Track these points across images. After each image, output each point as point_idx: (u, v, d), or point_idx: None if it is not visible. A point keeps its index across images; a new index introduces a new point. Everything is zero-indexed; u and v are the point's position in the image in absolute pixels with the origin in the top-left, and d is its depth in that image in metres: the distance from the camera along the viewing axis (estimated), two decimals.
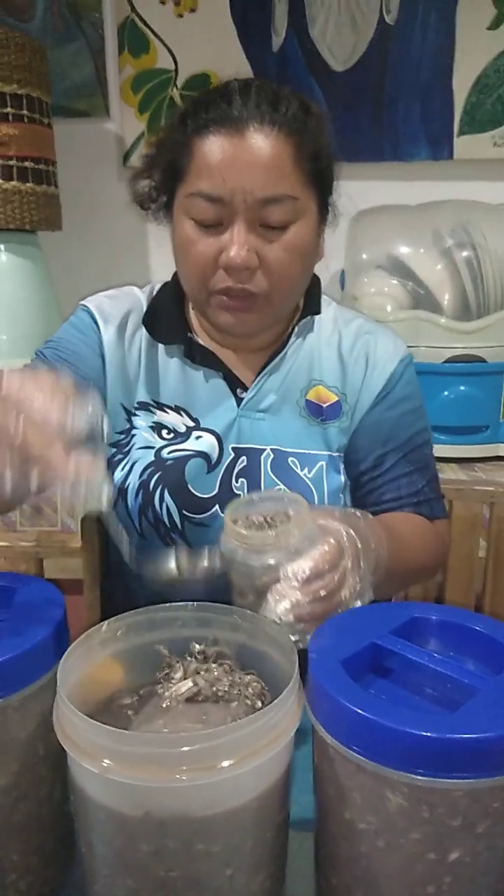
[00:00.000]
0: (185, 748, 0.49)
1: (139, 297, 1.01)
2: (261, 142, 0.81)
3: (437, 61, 2.00)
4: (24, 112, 1.72)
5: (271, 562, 0.66)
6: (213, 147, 0.81)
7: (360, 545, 0.69)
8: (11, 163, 1.70)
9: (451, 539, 1.05)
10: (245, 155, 0.81)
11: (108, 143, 2.13)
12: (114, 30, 2.05)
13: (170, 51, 2.05)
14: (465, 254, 1.72)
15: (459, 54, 1.98)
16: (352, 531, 0.70)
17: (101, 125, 2.12)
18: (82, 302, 1.00)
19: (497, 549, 1.31)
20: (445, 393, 1.75)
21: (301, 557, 0.65)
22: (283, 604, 0.64)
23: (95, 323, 0.96)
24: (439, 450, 1.79)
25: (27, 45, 1.71)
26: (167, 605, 0.66)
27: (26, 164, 1.73)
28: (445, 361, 1.74)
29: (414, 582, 0.98)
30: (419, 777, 0.48)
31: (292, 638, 0.63)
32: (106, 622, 0.63)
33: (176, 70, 2.06)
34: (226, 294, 0.85)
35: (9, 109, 1.69)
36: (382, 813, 0.51)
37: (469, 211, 1.80)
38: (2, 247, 1.77)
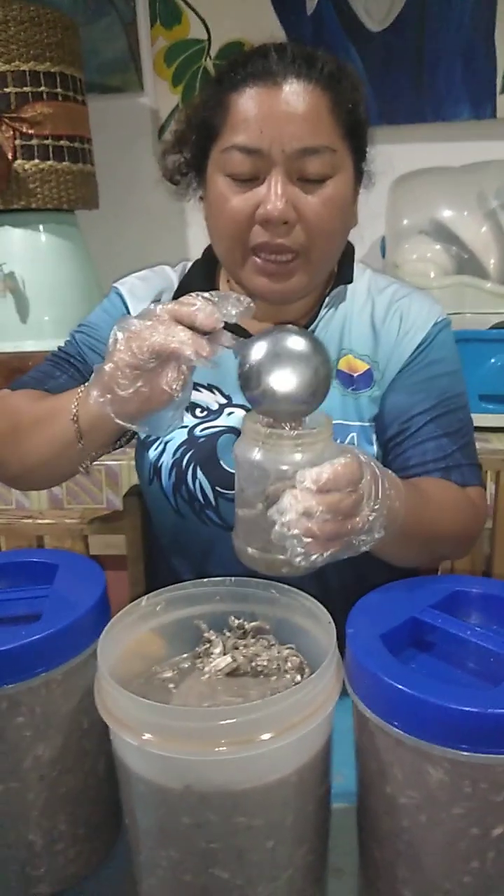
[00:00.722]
0: (225, 721, 0.49)
1: (171, 277, 1.01)
2: (298, 94, 0.80)
3: (478, 16, 1.91)
4: (59, 90, 1.71)
5: (287, 466, 0.61)
6: (250, 100, 0.81)
7: (378, 471, 0.66)
8: (47, 142, 1.70)
9: (487, 506, 0.99)
10: (283, 106, 0.80)
11: (143, 118, 2.11)
12: (145, 2, 2.02)
13: (202, 20, 2.01)
14: None
15: (501, 8, 1.89)
16: (372, 461, 0.67)
17: (135, 100, 2.10)
18: (115, 284, 1.00)
19: None
20: (493, 360, 1.70)
21: (319, 467, 0.61)
22: (295, 508, 0.59)
23: (126, 306, 0.97)
24: (486, 419, 1.75)
25: (59, 22, 1.70)
26: (205, 580, 0.66)
27: (62, 142, 1.72)
28: (492, 328, 1.69)
29: (442, 550, 0.90)
30: (461, 752, 0.48)
31: (296, 555, 0.60)
32: (145, 597, 0.64)
33: (209, 40, 2.02)
34: (263, 250, 0.83)
35: (42, 88, 1.68)
36: (423, 788, 0.50)
37: None
38: (41, 227, 1.77)
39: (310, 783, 0.54)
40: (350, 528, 0.61)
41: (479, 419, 1.65)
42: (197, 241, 2.06)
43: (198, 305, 0.67)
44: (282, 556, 0.62)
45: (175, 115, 2.07)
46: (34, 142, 1.68)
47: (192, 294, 0.69)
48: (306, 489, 0.59)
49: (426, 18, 1.94)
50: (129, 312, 0.96)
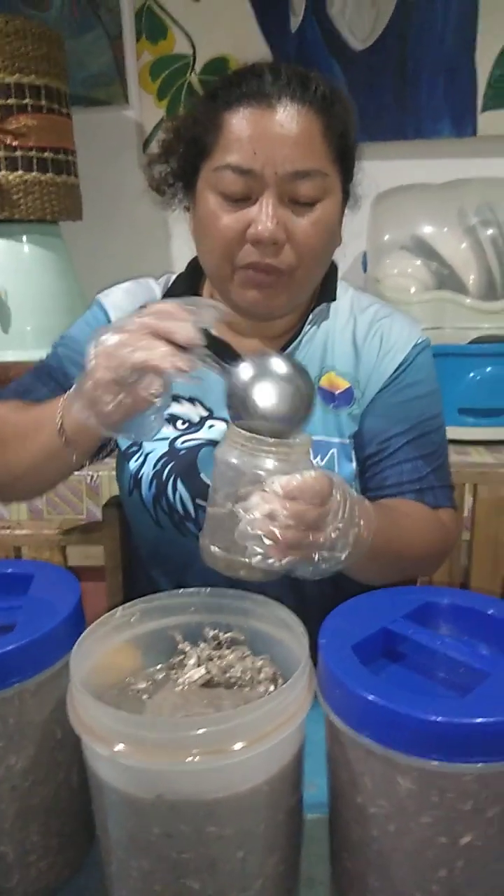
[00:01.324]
0: (197, 731, 0.49)
1: (154, 289, 1.01)
2: (292, 116, 0.81)
3: (460, 36, 1.95)
4: (43, 103, 1.72)
5: (261, 471, 0.64)
6: (244, 121, 0.81)
7: (349, 497, 0.68)
8: (31, 154, 1.71)
9: (458, 531, 1.02)
10: (277, 128, 0.81)
11: (128, 131, 2.12)
12: (131, 16, 2.04)
13: (188, 35, 2.04)
14: (490, 232, 1.69)
15: (482, 27, 1.93)
16: (344, 485, 0.69)
17: (120, 113, 2.12)
18: (98, 296, 1.00)
19: None
20: (471, 374, 1.73)
21: (290, 475, 0.63)
22: (260, 508, 0.62)
23: (108, 319, 0.97)
24: (466, 432, 1.77)
25: (45, 36, 1.71)
26: (180, 590, 0.66)
27: (46, 154, 1.73)
28: (471, 342, 1.71)
29: (409, 569, 0.93)
30: (429, 761, 0.48)
31: (254, 555, 0.62)
32: (120, 608, 0.64)
33: (194, 55, 2.05)
34: (252, 268, 0.84)
35: (27, 100, 1.69)
36: (393, 797, 0.51)
37: (494, 188, 1.76)
38: (24, 238, 1.78)
39: (281, 793, 0.55)
40: (311, 541, 0.63)
41: (458, 432, 1.68)
42: (181, 254, 2.07)
43: (174, 326, 0.67)
44: (242, 559, 0.64)
45: (161, 126, 2.09)
46: (18, 153, 1.69)
47: (169, 302, 0.70)
48: (274, 492, 0.62)
49: (408, 37, 1.97)
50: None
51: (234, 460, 0.65)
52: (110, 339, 0.68)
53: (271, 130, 0.81)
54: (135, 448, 0.96)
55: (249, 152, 0.81)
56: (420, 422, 0.95)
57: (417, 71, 1.99)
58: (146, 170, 0.95)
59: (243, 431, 0.66)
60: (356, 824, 0.55)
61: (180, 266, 1.02)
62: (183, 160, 0.90)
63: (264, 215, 0.81)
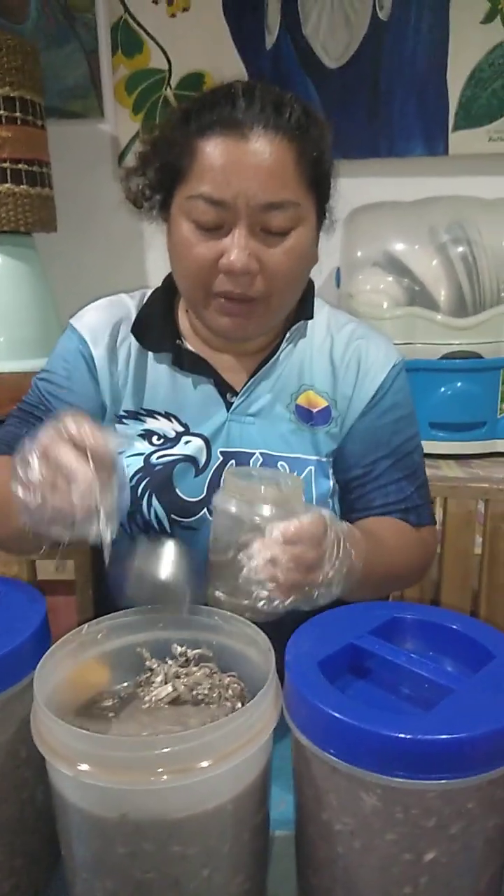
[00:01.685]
0: (162, 750, 0.49)
1: (128, 306, 1.00)
2: (264, 146, 0.81)
3: (432, 56, 1.98)
4: (18, 114, 1.72)
5: (260, 518, 0.67)
6: (217, 150, 0.81)
7: (343, 534, 0.70)
8: (5, 165, 1.70)
9: (437, 545, 1.06)
10: (249, 159, 0.80)
11: (103, 144, 2.12)
12: (107, 30, 2.05)
13: (163, 51, 2.05)
14: (460, 250, 1.72)
15: (453, 49, 1.97)
16: (336, 523, 0.71)
17: (95, 126, 2.12)
18: (71, 321, 0.99)
19: (492, 546, 1.31)
20: (442, 389, 1.75)
21: (288, 521, 0.66)
22: (262, 555, 0.64)
23: (85, 343, 0.96)
24: (437, 447, 1.79)
25: (20, 48, 1.71)
26: (148, 607, 0.66)
27: (20, 166, 1.73)
28: (442, 358, 1.73)
29: (392, 587, 0.98)
30: (392, 778, 0.48)
31: (259, 599, 0.64)
32: (86, 625, 0.63)
33: (170, 70, 2.06)
34: (225, 297, 0.85)
35: (2, 112, 1.68)
36: (358, 814, 0.51)
37: (464, 207, 1.79)
38: None
39: (246, 810, 0.55)
40: (311, 580, 0.66)
41: (428, 446, 1.69)
42: (156, 266, 2.07)
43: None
44: (246, 602, 0.66)
45: (136, 142, 2.09)
46: None
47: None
48: (274, 539, 0.65)
49: (381, 57, 2.00)
50: (88, 350, 0.95)
51: (233, 509, 0.69)
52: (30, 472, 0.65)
53: (244, 161, 0.80)
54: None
55: (223, 183, 0.80)
56: (401, 444, 0.97)
57: (390, 90, 2.02)
58: (123, 182, 0.94)
59: (240, 482, 0.71)
60: (322, 841, 0.55)
61: (156, 279, 1.02)
62: (159, 180, 0.90)
63: (236, 247, 0.81)
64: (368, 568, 0.75)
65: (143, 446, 0.94)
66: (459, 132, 2.02)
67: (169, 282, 0.98)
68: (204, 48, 2.02)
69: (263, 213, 0.81)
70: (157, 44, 2.04)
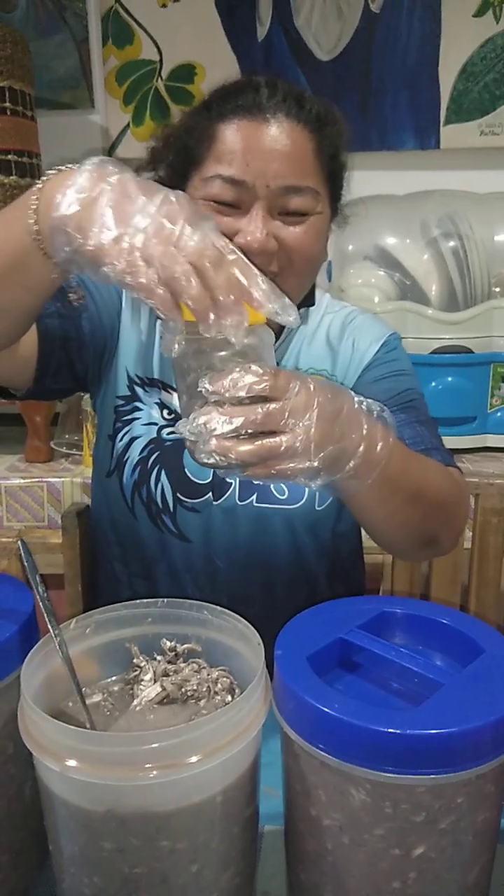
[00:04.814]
0: (151, 745, 0.49)
1: None
2: (286, 132, 0.81)
3: (424, 49, 1.98)
4: (7, 105, 1.70)
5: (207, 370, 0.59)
6: (238, 132, 0.81)
7: (326, 397, 0.61)
8: None
9: (468, 494, 0.93)
10: (270, 142, 0.81)
11: (93, 136, 2.11)
12: (97, 20, 2.03)
13: (154, 41, 2.03)
14: (451, 244, 1.72)
15: (445, 42, 1.97)
16: (320, 382, 0.62)
17: (85, 117, 2.10)
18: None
19: (482, 541, 1.31)
20: (433, 384, 1.75)
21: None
22: (200, 420, 0.58)
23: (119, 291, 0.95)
24: None
25: (9, 37, 1.69)
26: (137, 601, 0.66)
27: (9, 157, 1.72)
28: (432, 352, 1.74)
29: (429, 517, 0.81)
30: (381, 773, 0.48)
31: (216, 465, 0.58)
32: (74, 619, 0.63)
33: (161, 61, 2.04)
34: None
35: None
36: (346, 809, 0.51)
37: (456, 201, 1.79)
38: None
39: (236, 805, 0.54)
40: (271, 447, 0.59)
41: None
42: None
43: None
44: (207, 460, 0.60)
45: (126, 133, 2.08)
46: None
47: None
48: (205, 390, 0.59)
49: (373, 50, 2.00)
50: (121, 295, 0.95)
51: (175, 356, 0.60)
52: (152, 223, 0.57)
53: (265, 144, 0.81)
54: (119, 425, 0.95)
55: (242, 164, 0.81)
56: (407, 390, 0.95)
57: (382, 83, 2.02)
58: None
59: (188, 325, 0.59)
60: (310, 837, 0.55)
61: None
62: (172, 169, 0.89)
63: (254, 226, 0.81)
64: (397, 467, 0.68)
65: (157, 416, 0.94)
66: (451, 126, 2.02)
67: None
68: (195, 39, 2.01)
69: (282, 195, 0.82)
70: (149, 34, 2.03)
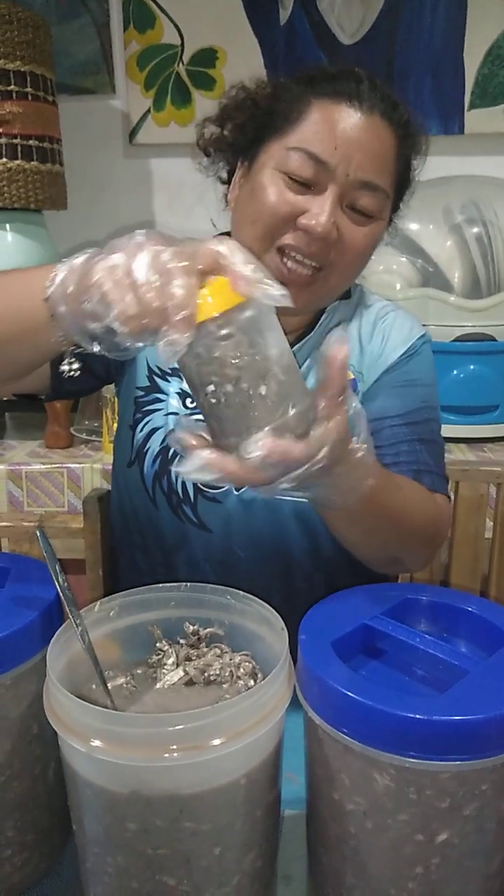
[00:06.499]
0: (175, 727, 0.49)
1: None
2: (378, 129, 0.83)
3: (448, 33, 1.95)
4: (28, 90, 1.70)
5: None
6: (335, 114, 0.82)
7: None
8: (16, 141, 1.68)
9: (451, 519, 1.00)
10: (361, 134, 0.81)
11: (114, 121, 2.10)
12: (119, 5, 2.01)
13: (176, 25, 2.02)
14: (475, 230, 1.69)
15: (470, 25, 1.93)
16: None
17: (106, 102, 2.09)
18: None
19: (503, 530, 1.30)
20: (455, 372, 1.73)
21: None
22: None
23: None
24: (448, 430, 1.76)
25: (31, 21, 1.68)
26: (160, 585, 0.66)
27: (31, 142, 1.71)
28: (455, 340, 1.72)
29: (401, 544, 0.83)
30: (406, 759, 0.48)
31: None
32: (98, 602, 0.63)
33: (182, 45, 2.02)
34: (292, 251, 0.83)
35: (12, 87, 1.66)
36: (370, 794, 0.51)
37: (480, 186, 1.76)
38: (7, 226, 1.76)
39: (259, 788, 0.54)
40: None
41: None
42: None
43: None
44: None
45: (147, 118, 2.07)
46: (2, 140, 1.67)
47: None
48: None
49: (397, 34, 1.97)
50: None
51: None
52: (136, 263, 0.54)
53: (356, 133, 0.81)
54: (139, 416, 0.95)
55: (330, 145, 0.81)
56: (420, 407, 0.94)
57: (405, 67, 1.99)
58: (198, 127, 0.93)
59: None
60: (333, 821, 0.55)
61: None
62: (242, 129, 0.88)
63: (324, 210, 0.81)
64: (379, 495, 0.68)
65: (177, 405, 0.94)
66: (475, 111, 1.99)
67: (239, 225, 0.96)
68: (217, 23, 1.99)
69: (357, 189, 0.82)
70: (170, 18, 2.01)
